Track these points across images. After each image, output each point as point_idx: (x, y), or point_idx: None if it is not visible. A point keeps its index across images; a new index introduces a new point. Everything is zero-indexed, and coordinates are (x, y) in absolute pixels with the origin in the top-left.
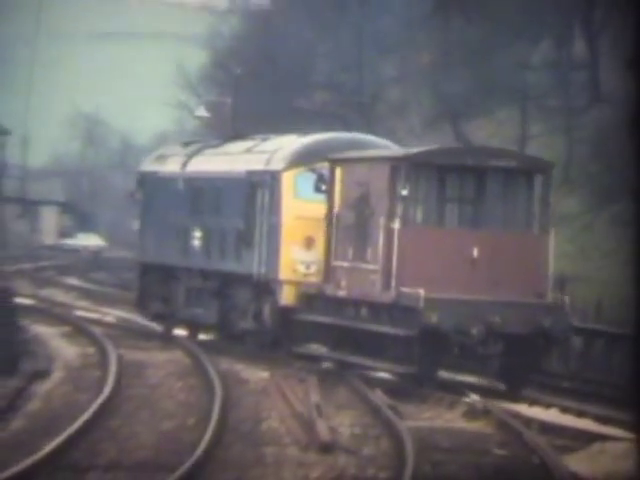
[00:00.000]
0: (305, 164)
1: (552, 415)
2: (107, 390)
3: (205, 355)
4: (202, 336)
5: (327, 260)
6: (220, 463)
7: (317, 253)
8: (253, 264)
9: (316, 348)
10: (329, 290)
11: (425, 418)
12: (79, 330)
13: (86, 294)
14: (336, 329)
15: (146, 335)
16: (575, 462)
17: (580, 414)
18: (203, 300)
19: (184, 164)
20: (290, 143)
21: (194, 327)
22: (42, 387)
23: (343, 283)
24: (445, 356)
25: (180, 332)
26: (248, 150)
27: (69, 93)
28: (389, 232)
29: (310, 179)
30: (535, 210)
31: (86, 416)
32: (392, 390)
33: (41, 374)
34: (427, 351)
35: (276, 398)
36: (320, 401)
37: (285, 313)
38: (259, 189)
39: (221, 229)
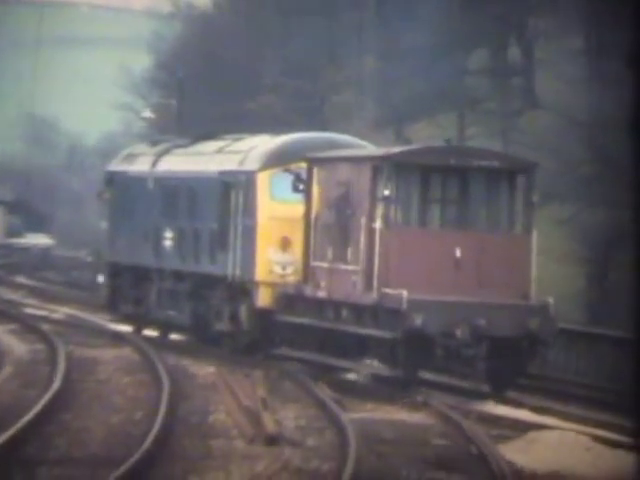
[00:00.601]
0: (281, 164)
1: (489, 406)
2: (56, 385)
3: (153, 351)
4: (174, 336)
5: (306, 260)
6: (168, 456)
7: (293, 254)
8: (228, 265)
9: (293, 351)
10: (308, 291)
11: (367, 410)
12: (28, 327)
13: (35, 292)
14: (316, 330)
15: (95, 332)
16: (510, 451)
17: (518, 405)
18: (176, 302)
19: (154, 163)
20: (264, 143)
21: (166, 328)
22: None
23: (323, 284)
24: (429, 359)
25: (151, 333)
26: (220, 150)
27: (17, 96)
28: (370, 232)
29: (286, 179)
30: (518, 210)
31: (36, 410)
32: (336, 384)
33: None
34: (411, 354)
35: (223, 392)
36: (266, 395)
37: (262, 315)
38: (233, 190)
39: (194, 230)
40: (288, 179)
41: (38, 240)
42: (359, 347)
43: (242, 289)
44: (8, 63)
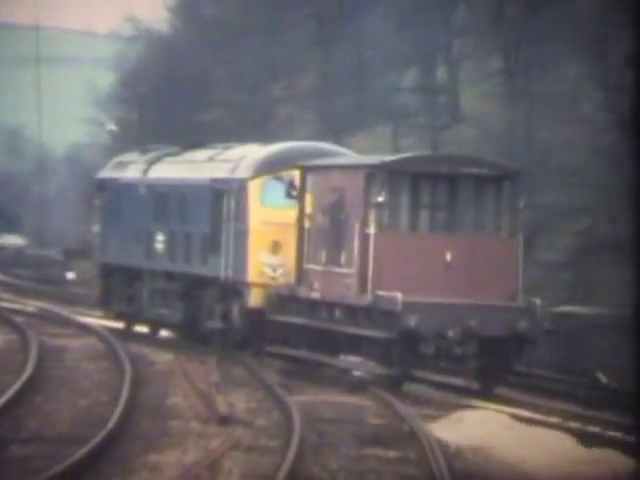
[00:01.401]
0: (271, 172)
1: (422, 389)
2: (28, 371)
3: (116, 340)
4: (164, 333)
5: (299, 263)
6: (130, 435)
7: (283, 257)
8: (220, 267)
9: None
10: (302, 292)
11: (311, 393)
12: (3, 319)
13: (9, 287)
14: (310, 330)
15: (63, 323)
16: (438, 428)
17: (447, 387)
18: (168, 301)
19: (145, 171)
20: (255, 152)
21: (157, 326)
22: None
23: (316, 285)
24: (422, 358)
25: (142, 329)
26: (211, 158)
27: None
28: (364, 237)
29: (276, 187)
30: (504, 215)
31: (9, 394)
32: (282, 369)
33: None
34: (405, 353)
35: (180, 378)
36: (219, 380)
37: (253, 314)
38: (225, 196)
39: (186, 233)
40: (278, 186)
41: (11, 240)
42: (351, 346)
43: (234, 290)
44: None
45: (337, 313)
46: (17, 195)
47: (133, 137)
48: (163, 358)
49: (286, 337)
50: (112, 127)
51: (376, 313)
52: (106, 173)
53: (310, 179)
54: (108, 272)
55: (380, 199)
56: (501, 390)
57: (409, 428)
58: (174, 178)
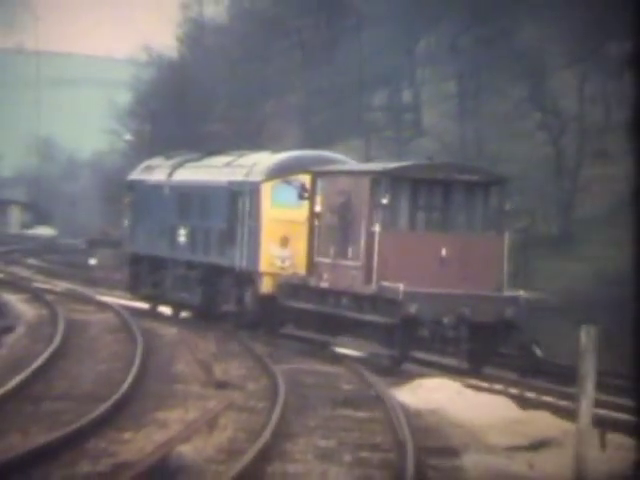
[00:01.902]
0: (280, 176)
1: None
2: (57, 341)
3: (130, 316)
4: (184, 314)
5: (310, 256)
6: (141, 396)
7: (291, 250)
8: (235, 258)
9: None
10: (312, 282)
11: (294, 363)
12: (36, 297)
13: (41, 270)
14: (318, 314)
15: (86, 301)
16: (401, 393)
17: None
18: (188, 286)
19: (170, 174)
20: (266, 159)
21: (179, 307)
22: (9, 339)
23: (325, 276)
24: (420, 341)
25: (164, 310)
26: (228, 164)
27: (27, 124)
28: (370, 235)
29: (284, 189)
30: (491, 216)
31: (42, 360)
32: (268, 343)
33: (8, 329)
34: (405, 336)
35: (183, 349)
36: (216, 351)
37: (264, 299)
38: (240, 197)
39: (205, 228)
40: (286, 189)
41: (44, 231)
42: (356, 329)
43: (247, 278)
44: (18, 99)
45: (344, 300)
46: (49, 194)
47: (146, 146)
48: (169, 331)
49: (297, 320)
50: (129, 137)
51: (380, 301)
52: (135, 175)
53: (320, 183)
54: (136, 260)
55: (384, 201)
56: (451, 361)
57: (376, 393)
58: (195, 180)
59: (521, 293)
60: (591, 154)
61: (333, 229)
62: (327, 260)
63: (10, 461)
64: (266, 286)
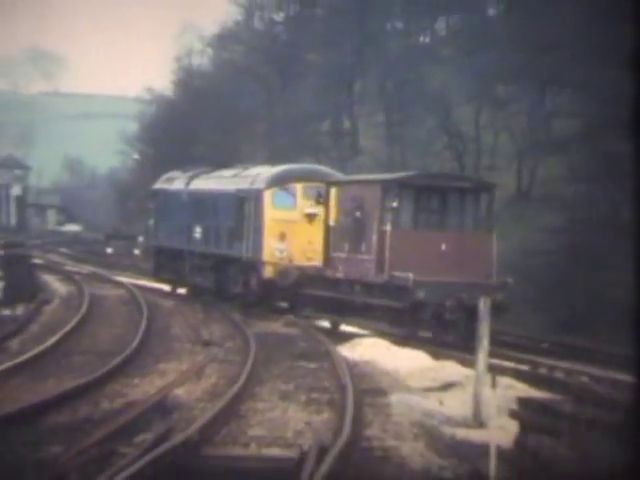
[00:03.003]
0: (278, 185)
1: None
2: (83, 310)
3: (138, 292)
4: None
5: (326, 252)
6: (146, 351)
7: (287, 243)
8: (242, 250)
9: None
10: (329, 273)
11: (262, 327)
12: (67, 277)
13: (70, 257)
14: (333, 300)
15: (104, 280)
16: (344, 349)
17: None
18: (202, 272)
19: (187, 184)
20: (267, 171)
21: (195, 289)
22: (48, 308)
23: (340, 268)
24: (426, 321)
25: (182, 291)
26: (235, 175)
27: (64, 148)
28: (381, 233)
29: (282, 194)
30: (481, 216)
31: (72, 324)
32: (242, 312)
33: (46, 301)
34: (413, 317)
35: (178, 316)
36: (203, 318)
37: (266, 282)
38: (246, 201)
39: (216, 226)
40: (283, 194)
41: (71, 228)
42: (364, 312)
43: (252, 266)
44: (55, 129)
45: (356, 288)
46: (76, 199)
47: (149, 164)
48: (167, 303)
49: (315, 305)
50: (136, 157)
51: (391, 288)
52: (158, 185)
53: (333, 190)
54: (159, 252)
55: (394, 204)
56: (384, 326)
57: (325, 349)
58: (209, 188)
59: (509, 280)
60: (484, 168)
61: (347, 229)
62: (342, 255)
63: (48, 400)
64: (267, 272)
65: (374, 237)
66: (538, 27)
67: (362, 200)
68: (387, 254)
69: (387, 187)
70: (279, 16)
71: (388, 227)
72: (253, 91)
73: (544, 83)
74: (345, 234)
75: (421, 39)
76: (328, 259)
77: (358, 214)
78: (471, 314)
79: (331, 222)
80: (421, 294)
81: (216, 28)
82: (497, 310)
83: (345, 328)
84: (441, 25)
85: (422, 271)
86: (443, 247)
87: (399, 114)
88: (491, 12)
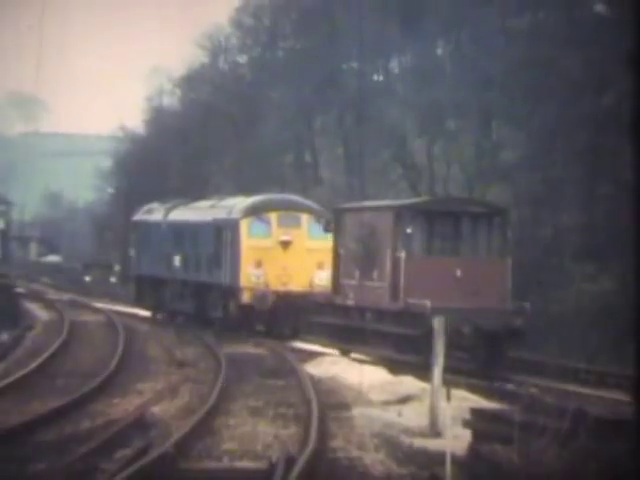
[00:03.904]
0: (254, 214)
1: (306, 346)
2: (64, 335)
3: (115, 317)
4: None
5: (335, 279)
6: (125, 371)
7: (263, 269)
8: (221, 276)
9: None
10: (338, 300)
11: (233, 348)
12: (49, 305)
13: (51, 286)
14: (342, 327)
15: (84, 307)
16: (308, 367)
17: (313, 342)
18: (183, 298)
19: (166, 215)
20: (242, 202)
21: (173, 314)
22: (30, 334)
23: (351, 295)
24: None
25: (163, 316)
26: (212, 206)
27: (44, 183)
28: (395, 260)
29: (257, 224)
30: (495, 242)
31: (54, 348)
32: (215, 335)
33: (29, 327)
34: (429, 345)
35: (153, 339)
36: (176, 340)
37: (243, 307)
38: (224, 230)
39: (196, 255)
40: (259, 223)
41: (53, 258)
42: (374, 339)
43: (231, 291)
44: (36, 166)
45: (368, 315)
46: (56, 231)
47: (123, 197)
48: (143, 327)
49: (322, 332)
50: (110, 190)
51: (406, 315)
52: (138, 216)
53: (342, 218)
54: (140, 280)
55: (409, 231)
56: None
57: (291, 367)
58: (187, 219)
59: (526, 305)
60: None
61: (357, 256)
62: (352, 282)
63: (33, 420)
64: (245, 297)
65: (388, 264)
66: (481, 66)
67: (373, 227)
68: (402, 281)
69: (400, 213)
70: (242, 58)
71: (402, 254)
72: (220, 127)
73: (489, 117)
74: (355, 261)
75: (375, 77)
76: (337, 286)
77: (369, 241)
78: (490, 340)
79: (340, 249)
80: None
81: (184, 70)
82: (514, 335)
83: (310, 347)
84: (394, 64)
85: (438, 297)
86: (458, 273)
87: (357, 147)
88: (440, 52)
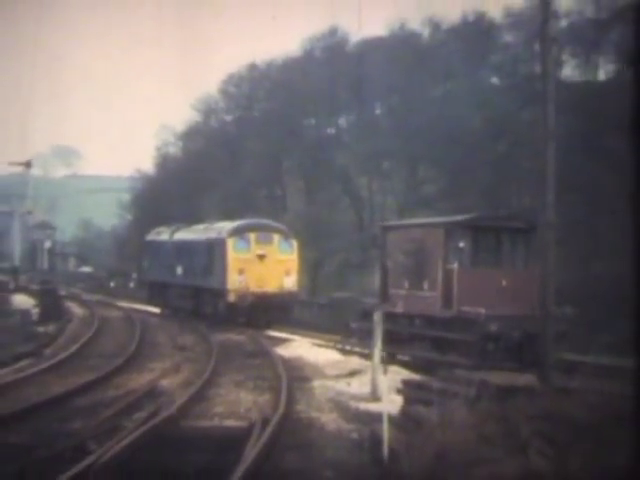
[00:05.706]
0: (237, 234)
1: (277, 334)
2: (95, 326)
3: (133, 313)
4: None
5: (384, 289)
6: (140, 354)
7: (245, 276)
8: (212, 281)
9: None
10: (387, 308)
11: (222, 336)
12: (82, 304)
13: (85, 290)
14: (389, 332)
15: (109, 305)
16: (279, 349)
17: (282, 331)
18: (183, 298)
19: (171, 235)
20: (228, 225)
21: (177, 311)
22: (70, 325)
23: (400, 304)
24: (494, 351)
25: (169, 312)
26: (206, 228)
27: (78, 214)
28: (447, 271)
29: (240, 241)
30: (532, 254)
31: (88, 336)
32: (208, 326)
33: (69, 320)
34: (482, 348)
35: (161, 329)
36: (179, 331)
37: (230, 305)
38: (215, 247)
39: (193, 265)
40: (241, 241)
41: (86, 269)
42: (438, 344)
43: (220, 293)
44: (72, 202)
45: (417, 322)
46: (88, 249)
47: (138, 222)
48: (154, 320)
49: (367, 337)
50: (129, 217)
51: (459, 322)
52: (150, 237)
53: (388, 234)
54: (151, 284)
55: (461, 244)
56: (300, 332)
57: (265, 349)
58: (187, 238)
59: (567, 310)
60: (377, 221)
61: (406, 268)
62: (401, 291)
63: (72, 390)
64: (231, 297)
65: (439, 275)
66: (408, 122)
67: (422, 242)
68: (455, 290)
69: (450, 229)
70: (228, 117)
71: (455, 265)
72: (211, 169)
73: (415, 160)
74: (404, 272)
75: (328, 130)
76: (386, 295)
77: (418, 254)
78: (532, 341)
79: (388, 262)
80: (493, 327)
81: (184, 127)
82: (558, 338)
83: (280, 334)
84: (343, 120)
85: (487, 305)
86: (503, 283)
87: (314, 183)
88: (377, 111)
